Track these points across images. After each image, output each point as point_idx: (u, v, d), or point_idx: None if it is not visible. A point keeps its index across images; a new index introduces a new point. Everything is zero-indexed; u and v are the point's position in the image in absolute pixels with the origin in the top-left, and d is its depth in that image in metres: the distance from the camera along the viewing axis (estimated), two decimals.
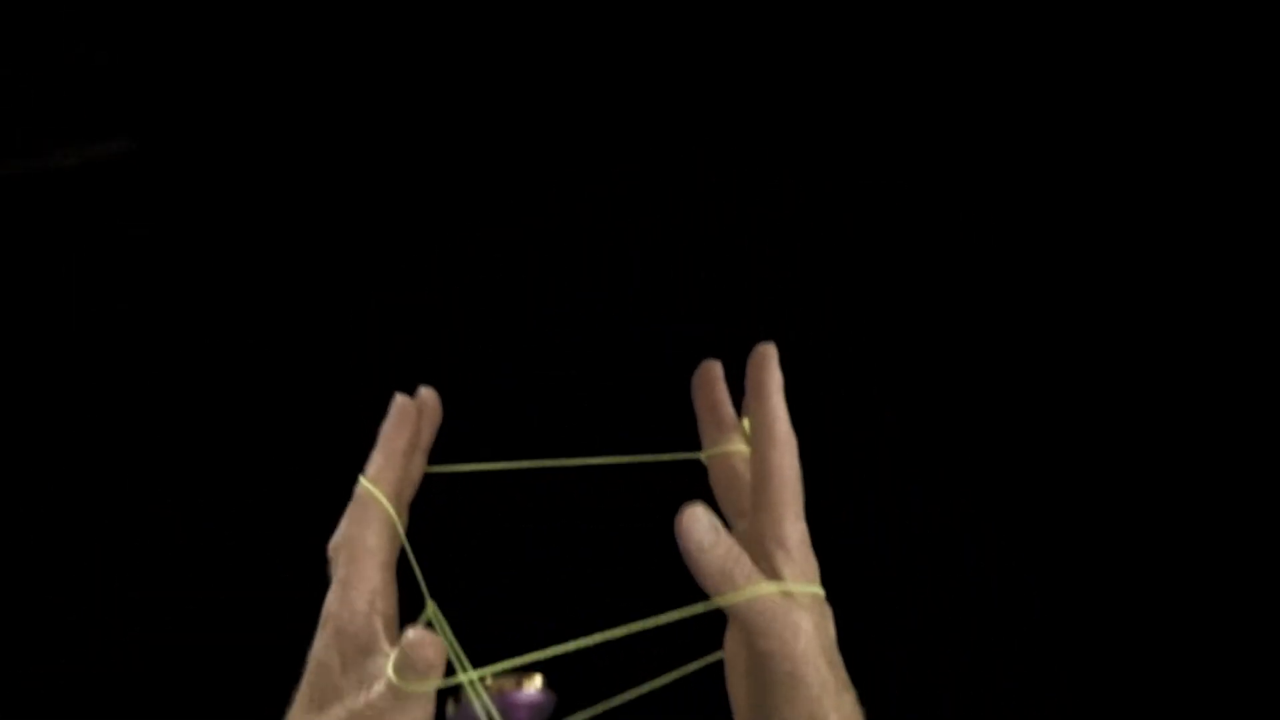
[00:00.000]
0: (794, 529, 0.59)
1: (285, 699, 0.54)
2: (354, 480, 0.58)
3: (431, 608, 0.59)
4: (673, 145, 1.73)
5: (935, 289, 1.66)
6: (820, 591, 0.59)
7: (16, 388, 1.58)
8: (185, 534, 1.44)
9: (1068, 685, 1.43)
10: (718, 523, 0.57)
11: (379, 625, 0.56)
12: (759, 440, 0.60)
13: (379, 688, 0.54)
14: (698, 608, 0.57)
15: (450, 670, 0.58)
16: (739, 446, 0.63)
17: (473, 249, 1.67)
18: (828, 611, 0.58)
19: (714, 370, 0.63)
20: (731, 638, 0.60)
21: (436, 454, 0.61)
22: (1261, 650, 1.42)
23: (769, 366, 0.60)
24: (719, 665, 0.60)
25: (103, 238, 1.66)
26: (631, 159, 1.73)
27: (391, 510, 0.59)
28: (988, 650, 1.44)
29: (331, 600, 0.56)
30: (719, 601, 0.56)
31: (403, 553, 0.59)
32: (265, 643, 0.88)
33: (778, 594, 0.57)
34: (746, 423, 0.62)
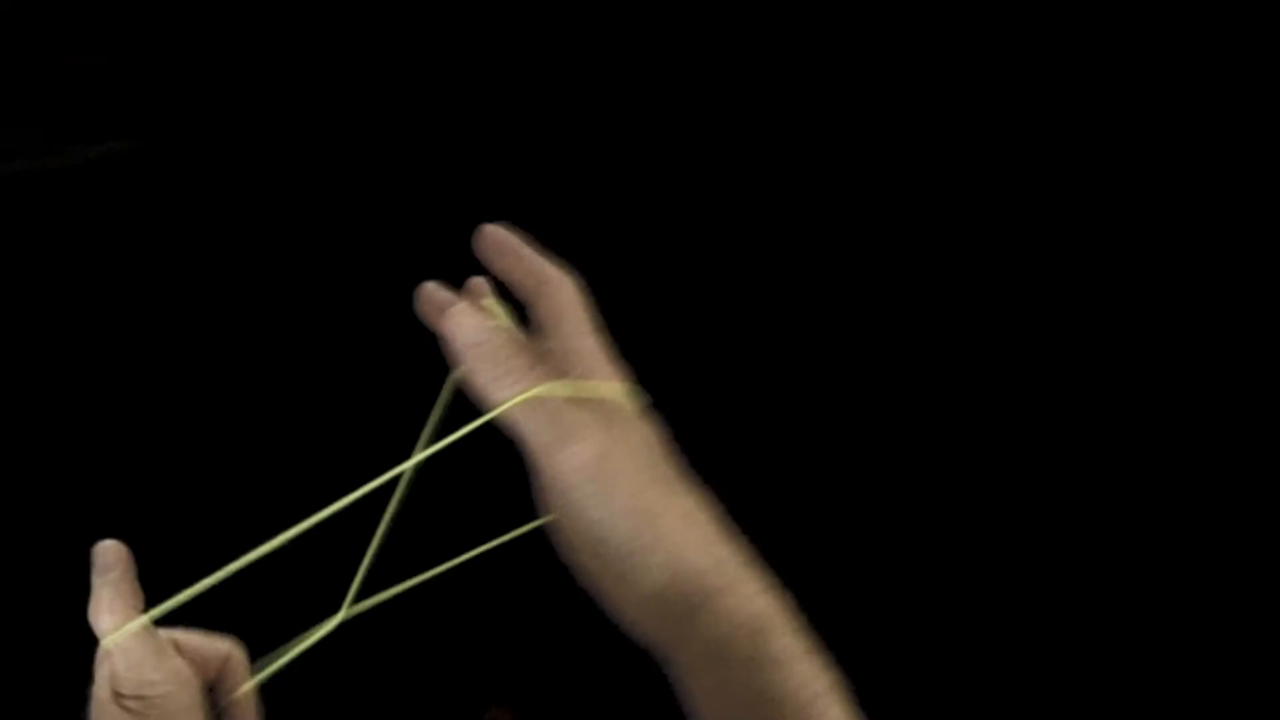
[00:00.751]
0: (587, 341, 0.52)
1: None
2: (353, 489, 0.56)
3: None
4: (668, 141, 1.73)
5: (934, 288, 1.66)
6: (624, 397, 0.51)
7: (16, 388, 1.58)
8: (187, 534, 1.43)
9: (1069, 686, 1.43)
10: (492, 321, 0.51)
11: None
12: (534, 290, 0.54)
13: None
14: (474, 424, 0.50)
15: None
16: (500, 320, 0.56)
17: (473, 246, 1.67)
18: (645, 418, 0.51)
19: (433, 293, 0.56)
20: (525, 453, 0.51)
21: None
22: (1262, 650, 1.42)
23: (498, 234, 0.56)
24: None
25: (102, 238, 1.66)
26: (626, 154, 1.73)
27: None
28: (988, 650, 1.44)
29: None
30: (505, 408, 0.49)
31: None
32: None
33: (569, 395, 0.50)
34: (487, 301, 0.58)
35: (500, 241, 0.57)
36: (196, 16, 1.74)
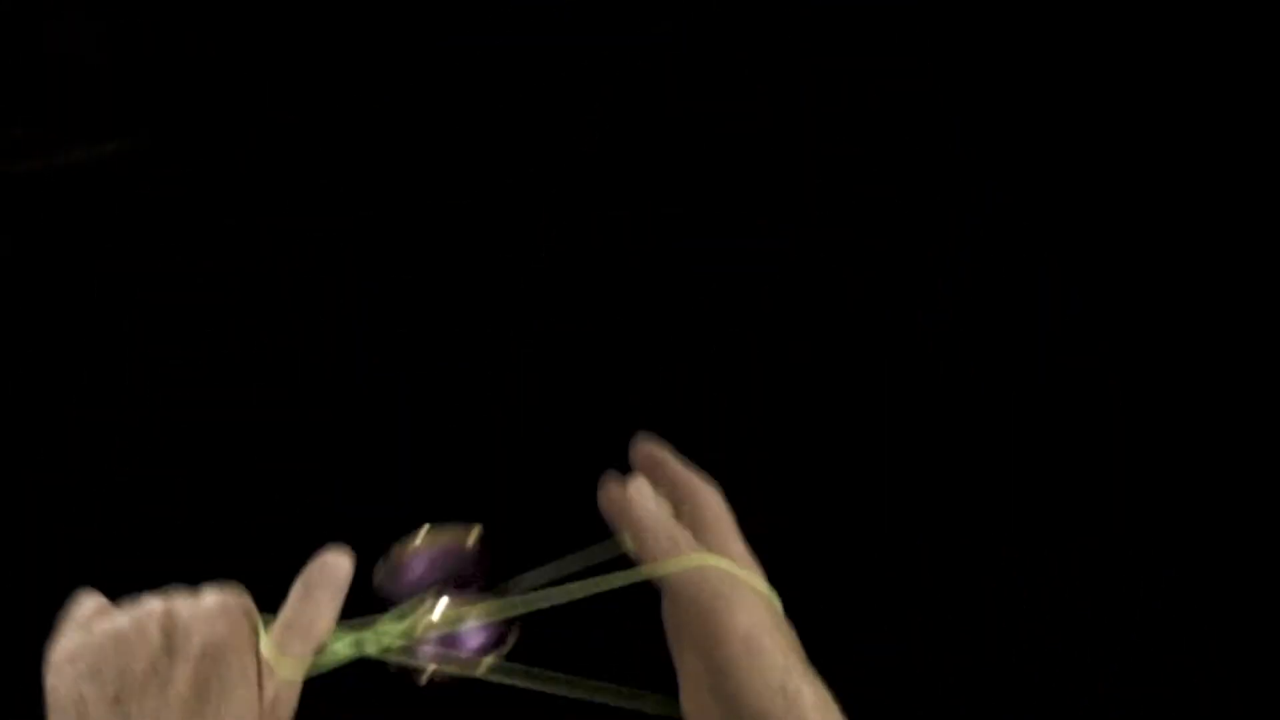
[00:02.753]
0: (737, 545, 0.61)
1: None
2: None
3: None
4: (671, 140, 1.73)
5: (940, 287, 1.66)
6: (770, 590, 0.59)
7: (18, 389, 1.58)
8: (187, 536, 1.44)
9: (1071, 686, 1.43)
10: (663, 502, 0.60)
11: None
12: (683, 499, 0.62)
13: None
14: (636, 574, 0.58)
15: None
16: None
17: (475, 246, 1.67)
18: (779, 606, 0.59)
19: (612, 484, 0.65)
20: (674, 613, 0.59)
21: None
22: (1262, 650, 1.42)
23: (651, 449, 0.64)
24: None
25: (102, 238, 1.66)
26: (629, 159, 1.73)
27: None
28: (995, 651, 1.44)
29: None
30: (667, 567, 0.57)
31: None
32: None
33: (727, 567, 0.58)
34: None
35: (652, 455, 0.64)
36: (197, 16, 1.74)
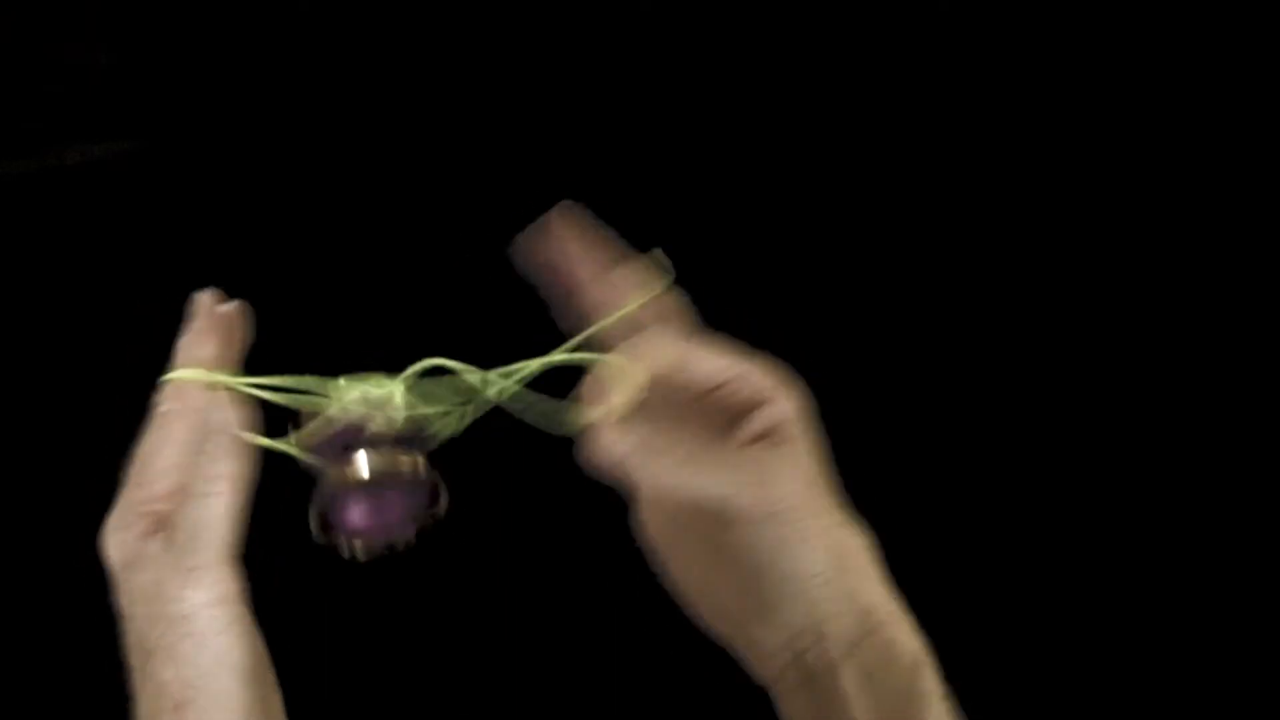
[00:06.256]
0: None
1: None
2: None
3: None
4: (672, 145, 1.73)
5: (935, 289, 1.66)
6: None
7: (18, 389, 1.58)
8: None
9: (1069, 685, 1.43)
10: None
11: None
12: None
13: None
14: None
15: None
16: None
17: (475, 246, 1.67)
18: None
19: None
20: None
21: None
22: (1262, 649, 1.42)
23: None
24: None
25: (102, 238, 1.66)
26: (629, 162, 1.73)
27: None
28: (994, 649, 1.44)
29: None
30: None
31: None
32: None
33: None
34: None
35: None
36: (198, 16, 1.74)
